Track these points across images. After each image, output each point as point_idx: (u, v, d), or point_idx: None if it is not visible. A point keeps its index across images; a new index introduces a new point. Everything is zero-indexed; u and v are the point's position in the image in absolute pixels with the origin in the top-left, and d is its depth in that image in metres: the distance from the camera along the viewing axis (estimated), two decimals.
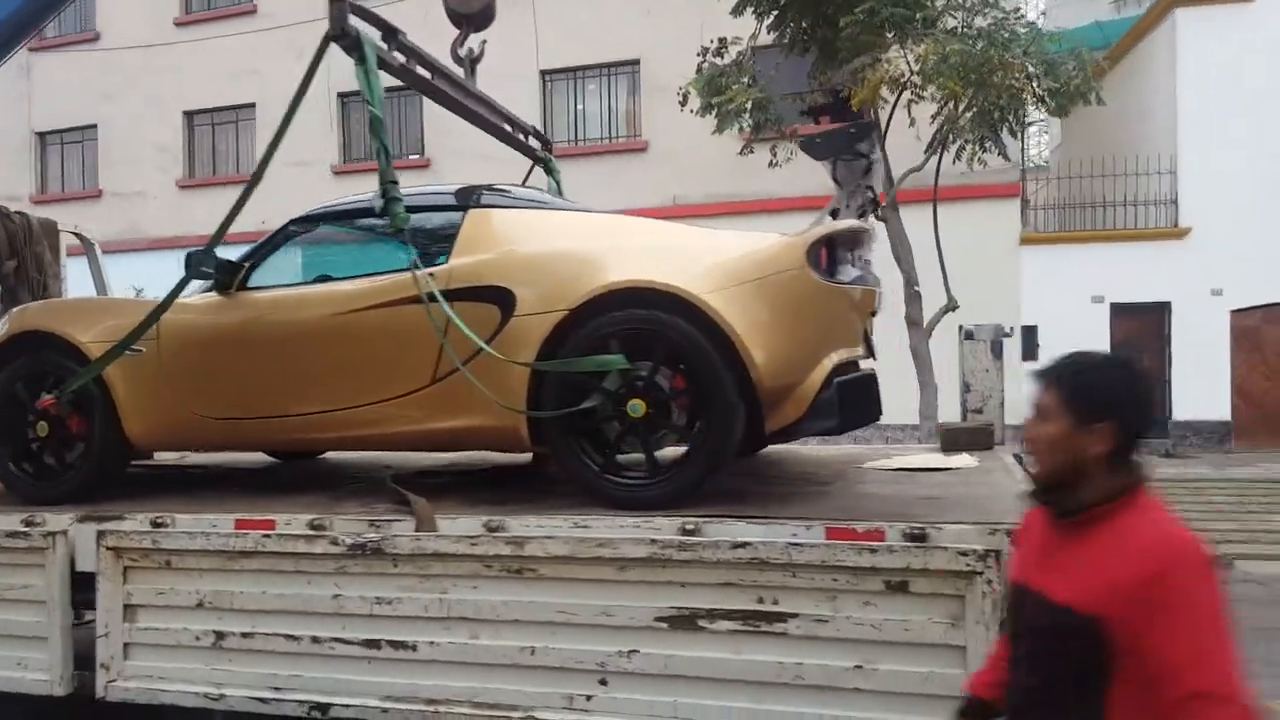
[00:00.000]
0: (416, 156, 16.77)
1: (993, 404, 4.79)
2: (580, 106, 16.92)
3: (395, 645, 3.11)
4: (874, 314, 3.95)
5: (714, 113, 10.45)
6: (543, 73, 16.66)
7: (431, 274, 3.49)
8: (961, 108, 10.18)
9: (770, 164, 11.04)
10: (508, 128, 4.84)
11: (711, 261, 3.29)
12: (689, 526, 2.94)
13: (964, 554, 2.60)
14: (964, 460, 4.09)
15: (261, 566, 3.28)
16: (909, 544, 2.69)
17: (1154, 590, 1.64)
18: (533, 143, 5.27)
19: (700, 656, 2.82)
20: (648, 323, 3.21)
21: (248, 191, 3.55)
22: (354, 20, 3.40)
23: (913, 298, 10.62)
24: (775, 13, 10.18)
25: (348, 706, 3.13)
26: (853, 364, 3.65)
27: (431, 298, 3.27)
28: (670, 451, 3.39)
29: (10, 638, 3.58)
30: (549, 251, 3.44)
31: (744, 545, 2.79)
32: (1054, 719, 1.79)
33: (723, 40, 10.98)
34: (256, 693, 3.24)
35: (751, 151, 10.87)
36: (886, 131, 10.23)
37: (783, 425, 3.31)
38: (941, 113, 10.42)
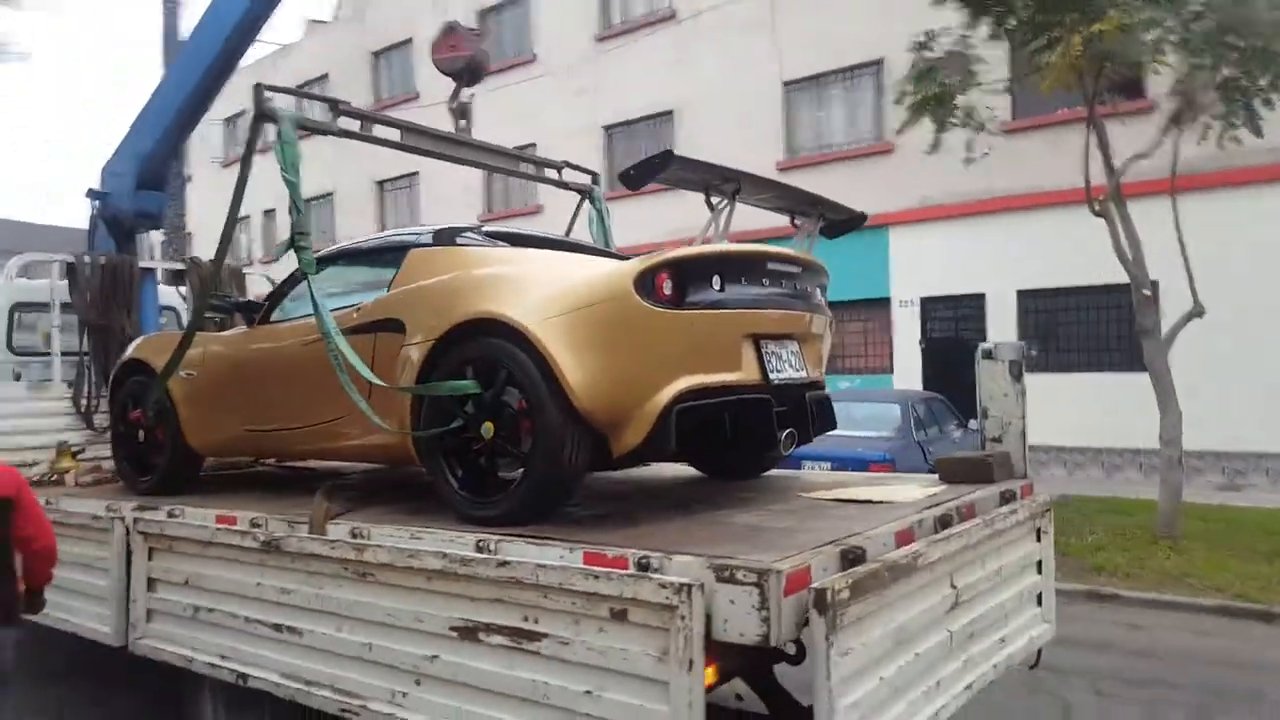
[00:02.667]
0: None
1: (1013, 431, 4.28)
2: (823, 113, 16.70)
3: (290, 630, 3.60)
4: (792, 337, 3.79)
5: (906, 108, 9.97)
6: (785, 84, 16.70)
7: (358, 309, 3.98)
8: (1200, 81, 8.82)
9: (965, 160, 10.28)
10: (526, 167, 5.17)
11: (555, 290, 3.42)
12: (481, 543, 3.12)
13: (664, 586, 2.55)
14: (906, 493, 3.76)
15: (220, 555, 3.94)
16: (629, 572, 2.68)
17: None
18: (574, 176, 5.52)
19: (480, 668, 2.99)
20: (494, 350, 3.42)
21: (227, 234, 4.28)
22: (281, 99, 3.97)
23: (1144, 305, 9.31)
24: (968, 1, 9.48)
25: (259, 679, 3.68)
26: (746, 387, 3.54)
27: (328, 334, 3.74)
28: None
29: (95, 598, 4.58)
30: (433, 285, 3.76)
31: (505, 564, 2.93)
32: None
33: (929, 33, 10.39)
34: (210, 659, 3.91)
35: (937, 149, 10.17)
36: (1093, 113, 9.11)
37: (627, 451, 3.35)
38: (1178, 89, 9.09)
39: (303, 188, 3.91)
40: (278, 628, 3.65)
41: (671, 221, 12.97)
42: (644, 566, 2.69)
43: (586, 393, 3.23)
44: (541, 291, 3.45)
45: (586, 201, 5.63)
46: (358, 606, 3.36)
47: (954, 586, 3.23)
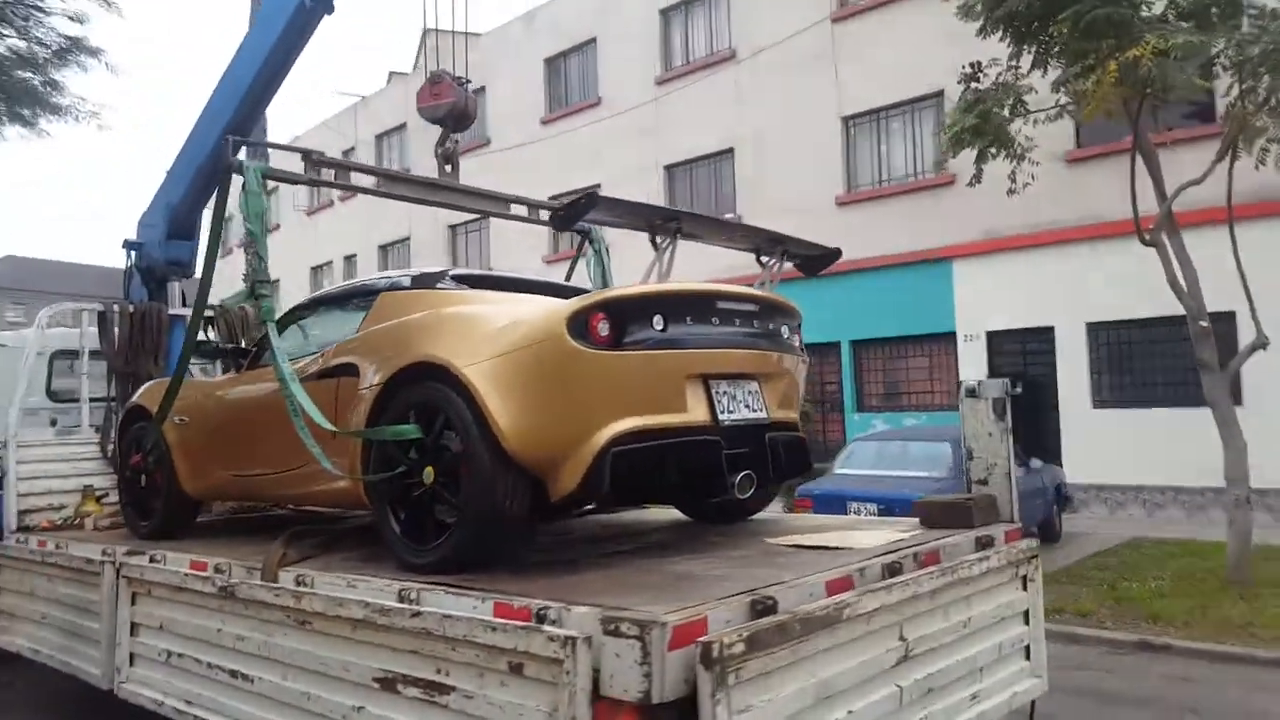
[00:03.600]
0: (731, 215, 17.45)
1: (998, 473, 4.06)
2: (884, 147, 16.42)
3: (244, 677, 3.61)
4: (751, 377, 3.66)
5: (944, 141, 9.73)
6: (845, 119, 16.52)
7: (322, 354, 4.03)
8: (1254, 103, 8.39)
9: (1009, 191, 9.94)
10: (519, 210, 5.18)
11: (489, 333, 3.38)
12: (404, 592, 3.07)
13: (552, 639, 2.46)
14: (869, 539, 3.58)
15: (188, 600, 3.99)
16: (523, 625, 2.59)
17: None
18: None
19: None
20: (433, 395, 3.40)
21: (205, 281, 4.37)
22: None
23: (1201, 337, 8.79)
24: (1009, 30, 9.21)
25: None
26: (693, 429, 3.43)
27: (283, 380, 3.78)
28: None
29: (89, 640, 4.69)
30: (382, 331, 3.78)
31: (418, 615, 2.88)
32: None
33: (975, 64, 10.13)
34: (177, 704, 3.94)
35: (979, 182, 9.87)
36: (1138, 140, 8.72)
37: (564, 495, 3.27)
38: (1231, 112, 8.65)
39: (267, 239, 3.99)
40: (234, 674, 3.66)
41: (721, 260, 12.92)
42: (541, 618, 2.61)
43: (517, 436, 3.18)
44: (478, 334, 3.42)
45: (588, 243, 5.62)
46: (298, 655, 3.35)
47: (903, 638, 3.05)
